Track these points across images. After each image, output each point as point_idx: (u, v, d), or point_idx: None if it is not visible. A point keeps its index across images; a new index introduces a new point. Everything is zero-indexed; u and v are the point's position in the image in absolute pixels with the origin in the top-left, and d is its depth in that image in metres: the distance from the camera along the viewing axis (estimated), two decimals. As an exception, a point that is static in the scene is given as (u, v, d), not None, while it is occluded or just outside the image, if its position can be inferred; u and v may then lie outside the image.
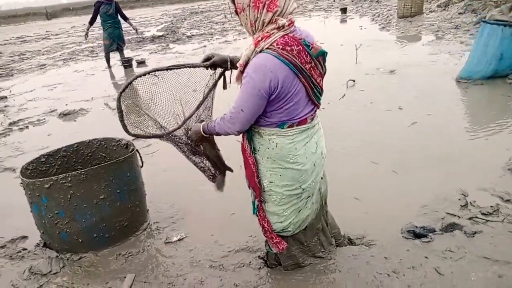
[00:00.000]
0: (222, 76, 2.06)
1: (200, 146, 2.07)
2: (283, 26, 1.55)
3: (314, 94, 1.72)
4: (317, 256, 2.12)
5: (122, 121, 1.90)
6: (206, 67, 1.98)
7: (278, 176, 1.80)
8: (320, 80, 1.73)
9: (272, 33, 1.56)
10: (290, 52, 1.57)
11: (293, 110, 1.69)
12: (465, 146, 3.45)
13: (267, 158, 1.79)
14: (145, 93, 1.95)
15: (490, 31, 4.84)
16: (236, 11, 1.64)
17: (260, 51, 1.58)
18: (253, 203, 1.93)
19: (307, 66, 1.63)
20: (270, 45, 1.56)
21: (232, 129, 1.75)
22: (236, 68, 1.78)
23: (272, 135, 1.74)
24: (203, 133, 1.93)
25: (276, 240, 1.92)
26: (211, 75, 2.04)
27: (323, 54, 1.68)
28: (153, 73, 1.90)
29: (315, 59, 1.65)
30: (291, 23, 1.59)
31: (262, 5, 1.52)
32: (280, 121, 1.71)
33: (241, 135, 1.87)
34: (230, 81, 1.94)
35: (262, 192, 1.87)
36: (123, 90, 1.85)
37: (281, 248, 1.93)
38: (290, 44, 1.57)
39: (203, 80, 2.05)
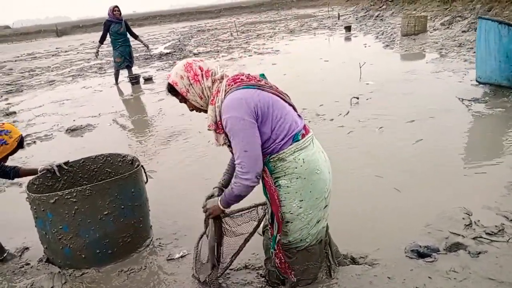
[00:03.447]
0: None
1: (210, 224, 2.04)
2: (222, 78, 1.78)
3: (288, 99, 1.86)
4: (325, 271, 2.10)
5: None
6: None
7: (308, 192, 1.80)
8: (280, 89, 1.87)
9: (219, 87, 1.76)
10: (242, 81, 1.75)
11: (288, 114, 1.78)
12: (469, 165, 3.44)
13: (297, 178, 1.77)
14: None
15: (487, 27, 4.95)
16: (181, 99, 1.82)
17: (221, 103, 1.71)
18: (274, 238, 1.87)
19: (261, 82, 1.80)
20: (225, 93, 1.73)
21: (250, 177, 1.70)
22: None
23: (295, 152, 1.75)
24: (221, 207, 1.88)
25: (289, 270, 1.94)
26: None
27: (263, 76, 1.89)
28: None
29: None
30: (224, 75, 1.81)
31: (201, 77, 1.75)
32: (290, 132, 1.74)
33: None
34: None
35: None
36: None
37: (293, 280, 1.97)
38: (236, 78, 1.77)
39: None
